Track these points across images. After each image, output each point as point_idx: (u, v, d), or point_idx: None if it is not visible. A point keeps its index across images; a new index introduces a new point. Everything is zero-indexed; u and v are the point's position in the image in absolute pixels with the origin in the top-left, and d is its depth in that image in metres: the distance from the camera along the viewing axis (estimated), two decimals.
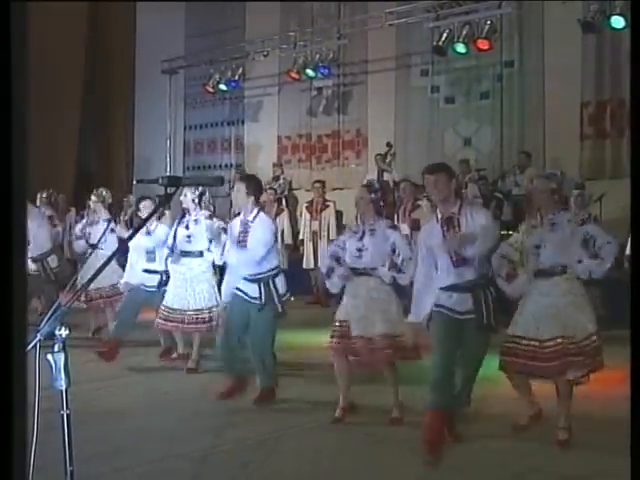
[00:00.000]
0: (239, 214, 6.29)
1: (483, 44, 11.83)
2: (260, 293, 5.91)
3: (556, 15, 11.78)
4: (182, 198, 7.12)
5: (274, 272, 6.02)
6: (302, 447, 5.01)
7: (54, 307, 2.20)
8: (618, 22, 10.40)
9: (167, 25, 16.76)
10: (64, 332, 2.19)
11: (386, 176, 12.76)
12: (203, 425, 5.46)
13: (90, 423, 5.07)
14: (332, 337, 5.49)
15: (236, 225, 6.11)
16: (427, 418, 4.66)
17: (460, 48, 12.04)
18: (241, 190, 5.99)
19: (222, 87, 15.43)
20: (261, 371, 6.03)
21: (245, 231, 5.97)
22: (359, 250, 5.49)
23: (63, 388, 2.21)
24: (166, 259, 7.23)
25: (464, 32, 11.91)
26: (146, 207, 7.57)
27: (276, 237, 6.60)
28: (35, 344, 2.08)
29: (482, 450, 4.79)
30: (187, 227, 7.10)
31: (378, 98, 14.26)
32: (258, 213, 6.02)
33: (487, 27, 11.73)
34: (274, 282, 5.97)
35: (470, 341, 4.77)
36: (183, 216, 7.20)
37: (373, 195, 5.59)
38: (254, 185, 6.10)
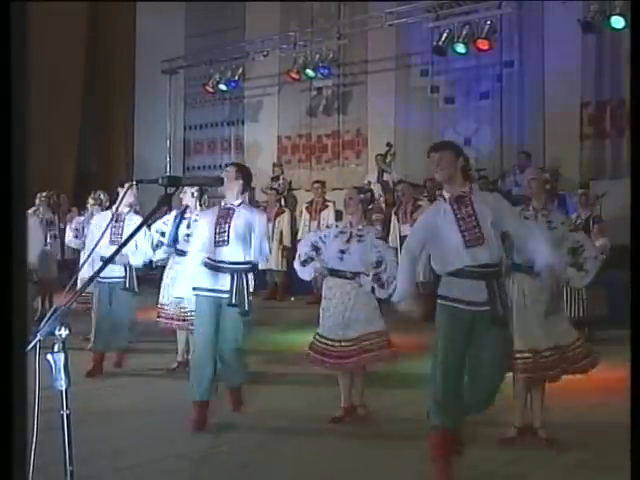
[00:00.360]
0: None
1: (483, 44, 11.83)
2: (232, 286, 5.38)
3: (556, 15, 11.78)
4: (182, 195, 7.05)
5: (249, 266, 5.57)
6: (302, 447, 5.01)
7: (53, 308, 2.20)
8: (618, 22, 10.40)
9: (167, 25, 16.77)
10: (64, 332, 2.19)
11: (386, 176, 12.78)
12: None
13: (90, 423, 5.08)
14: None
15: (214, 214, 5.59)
16: (435, 438, 4.16)
17: (460, 48, 12.05)
18: (231, 173, 5.44)
19: (222, 87, 15.44)
20: (234, 371, 5.62)
21: (228, 216, 5.46)
22: (342, 252, 5.44)
23: (63, 388, 2.21)
24: (156, 248, 7.04)
25: (464, 32, 11.91)
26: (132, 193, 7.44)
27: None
28: (35, 344, 2.08)
29: (483, 452, 4.79)
30: (188, 226, 6.89)
31: (378, 98, 14.26)
32: (243, 202, 5.59)
33: (487, 27, 11.74)
34: (247, 277, 5.53)
35: (488, 339, 4.11)
36: (184, 212, 7.02)
37: (362, 196, 5.59)
38: (245, 171, 5.61)
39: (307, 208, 12.31)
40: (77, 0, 16.58)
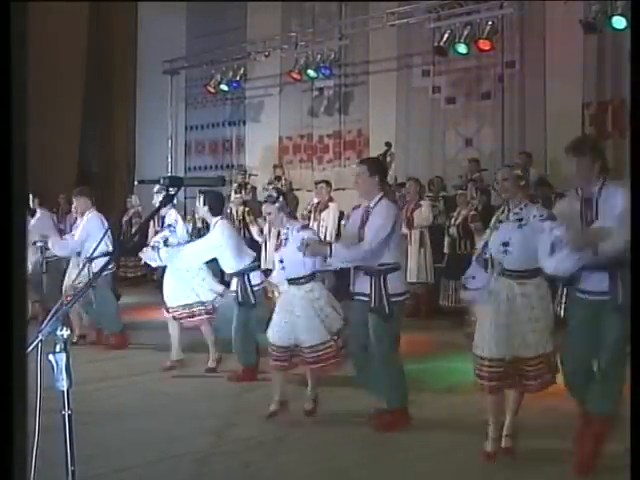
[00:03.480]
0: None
1: (484, 44, 11.82)
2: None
3: (557, 15, 11.77)
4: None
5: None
6: (303, 447, 5.01)
7: (55, 307, 2.20)
8: (619, 22, 10.39)
9: (168, 25, 16.77)
10: (65, 332, 2.19)
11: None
12: (203, 426, 5.45)
13: (90, 424, 5.08)
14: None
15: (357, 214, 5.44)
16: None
17: (461, 48, 12.04)
18: (363, 172, 5.32)
19: (223, 87, 15.44)
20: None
21: (367, 218, 5.27)
22: (280, 262, 5.56)
23: (64, 388, 2.21)
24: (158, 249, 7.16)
25: (465, 32, 11.90)
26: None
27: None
28: (36, 345, 2.08)
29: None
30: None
31: (379, 98, 14.25)
32: (381, 199, 5.30)
33: (488, 27, 11.72)
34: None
35: (606, 327, 4.19)
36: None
37: (277, 204, 5.59)
38: (377, 166, 5.56)
39: (314, 208, 12.13)
40: (77, 0, 16.57)
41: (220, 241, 6.65)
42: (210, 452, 4.90)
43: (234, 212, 12.78)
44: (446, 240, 10.28)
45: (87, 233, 8.09)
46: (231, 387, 6.55)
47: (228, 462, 4.75)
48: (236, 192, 13.34)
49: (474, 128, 13.15)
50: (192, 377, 7.01)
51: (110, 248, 8.09)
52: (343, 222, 6.01)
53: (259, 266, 7.08)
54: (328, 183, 11.98)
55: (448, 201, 11.39)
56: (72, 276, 8.13)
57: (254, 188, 13.99)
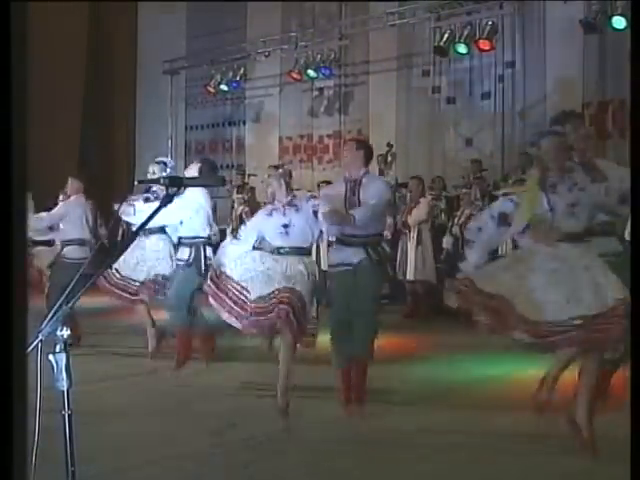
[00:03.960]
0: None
1: (484, 44, 11.84)
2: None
3: (557, 15, 11.79)
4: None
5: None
6: (302, 447, 5.01)
7: (56, 307, 2.20)
8: (619, 22, 10.41)
9: (168, 25, 16.80)
10: (66, 332, 2.19)
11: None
12: (203, 425, 5.45)
13: (90, 424, 5.07)
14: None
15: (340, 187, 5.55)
16: None
17: (461, 48, 12.06)
18: (353, 148, 5.51)
19: (223, 87, 15.46)
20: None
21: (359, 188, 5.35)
22: (285, 226, 5.43)
23: (64, 388, 2.21)
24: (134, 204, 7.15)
25: (465, 32, 11.93)
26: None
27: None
28: (36, 345, 2.08)
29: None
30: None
31: (379, 98, 14.27)
32: (367, 172, 5.51)
33: (488, 27, 11.75)
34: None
35: None
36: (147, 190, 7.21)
37: (280, 170, 5.62)
38: (368, 147, 5.75)
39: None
40: (77, 0, 16.58)
41: (200, 200, 6.54)
42: (210, 452, 4.90)
43: (234, 210, 12.88)
44: (448, 240, 10.30)
45: (65, 212, 8.00)
46: (230, 387, 6.54)
47: (228, 462, 4.74)
48: (238, 192, 13.40)
49: (474, 128, 13.16)
50: (191, 377, 7.01)
51: (86, 236, 8.00)
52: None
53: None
54: (329, 183, 11.93)
55: (450, 201, 11.40)
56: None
57: (253, 188, 14.00)
